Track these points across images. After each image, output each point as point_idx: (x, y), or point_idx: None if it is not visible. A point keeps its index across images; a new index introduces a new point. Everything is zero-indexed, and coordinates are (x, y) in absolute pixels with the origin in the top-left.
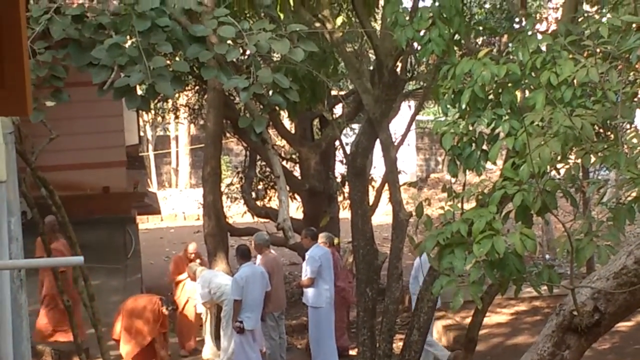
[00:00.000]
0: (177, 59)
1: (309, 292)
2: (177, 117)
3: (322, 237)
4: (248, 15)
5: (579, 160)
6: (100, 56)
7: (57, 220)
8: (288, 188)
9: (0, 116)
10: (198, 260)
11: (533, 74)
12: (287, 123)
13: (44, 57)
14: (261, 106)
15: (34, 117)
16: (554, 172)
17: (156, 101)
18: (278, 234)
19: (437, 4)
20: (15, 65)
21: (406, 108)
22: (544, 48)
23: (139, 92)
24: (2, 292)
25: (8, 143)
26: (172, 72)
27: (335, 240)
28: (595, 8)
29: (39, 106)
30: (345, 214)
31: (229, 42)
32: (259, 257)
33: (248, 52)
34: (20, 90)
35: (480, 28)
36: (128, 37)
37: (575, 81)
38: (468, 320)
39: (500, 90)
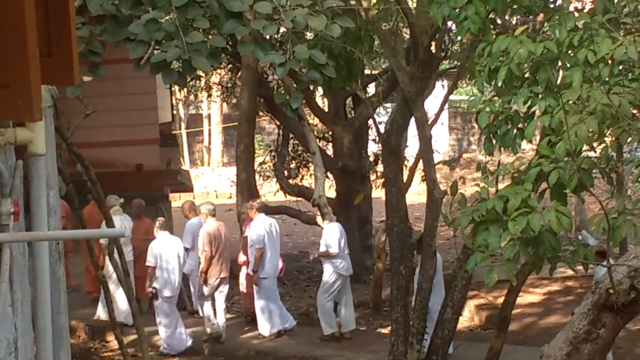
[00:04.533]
0: (210, 36)
1: (258, 262)
2: (209, 95)
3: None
4: None
5: (615, 139)
6: (137, 31)
7: (92, 196)
8: None
9: (47, 85)
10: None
11: (570, 51)
12: (320, 102)
13: (81, 32)
14: (296, 83)
15: (71, 92)
16: (589, 151)
17: (190, 79)
18: (310, 212)
19: None
20: (62, 34)
21: (439, 87)
22: (580, 26)
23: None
24: (41, 265)
25: (47, 117)
26: (209, 47)
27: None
28: None
29: None
30: (377, 192)
31: (265, 18)
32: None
33: (282, 29)
34: (67, 60)
35: (516, 6)
36: (165, 12)
37: (612, 59)
38: (500, 299)
39: (536, 68)
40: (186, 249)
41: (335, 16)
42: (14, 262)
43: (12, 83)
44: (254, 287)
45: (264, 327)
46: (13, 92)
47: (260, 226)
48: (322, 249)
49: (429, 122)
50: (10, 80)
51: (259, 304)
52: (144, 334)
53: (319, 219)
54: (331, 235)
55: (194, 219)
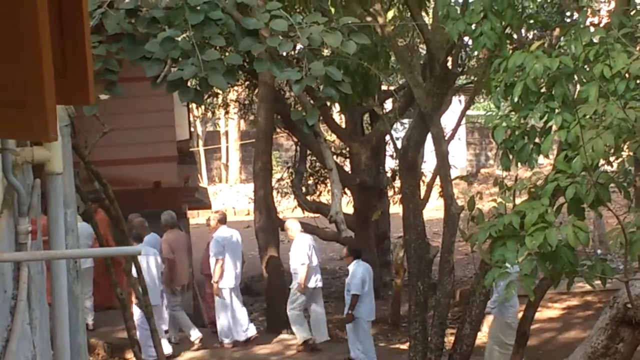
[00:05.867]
0: (226, 53)
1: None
2: (227, 112)
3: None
4: (299, 9)
5: (632, 153)
6: (153, 50)
7: (111, 213)
8: None
9: (62, 105)
10: None
11: (586, 66)
12: (337, 118)
13: (98, 50)
14: (313, 99)
15: (88, 111)
16: (606, 165)
17: (207, 96)
18: (328, 228)
19: None
20: (77, 54)
21: (456, 103)
22: (596, 41)
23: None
24: (59, 283)
25: (64, 136)
26: (225, 65)
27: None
28: None
29: None
30: (395, 208)
31: (281, 35)
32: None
33: (299, 46)
34: (82, 79)
35: (532, 21)
36: (181, 30)
37: (628, 74)
38: (519, 314)
39: (552, 83)
40: None
41: (351, 33)
42: (32, 280)
43: (28, 104)
44: (215, 297)
45: (225, 335)
46: (28, 113)
47: (221, 237)
48: (292, 263)
49: (446, 138)
50: (26, 100)
51: (219, 312)
52: (162, 351)
53: (288, 230)
54: (298, 248)
55: (150, 235)
